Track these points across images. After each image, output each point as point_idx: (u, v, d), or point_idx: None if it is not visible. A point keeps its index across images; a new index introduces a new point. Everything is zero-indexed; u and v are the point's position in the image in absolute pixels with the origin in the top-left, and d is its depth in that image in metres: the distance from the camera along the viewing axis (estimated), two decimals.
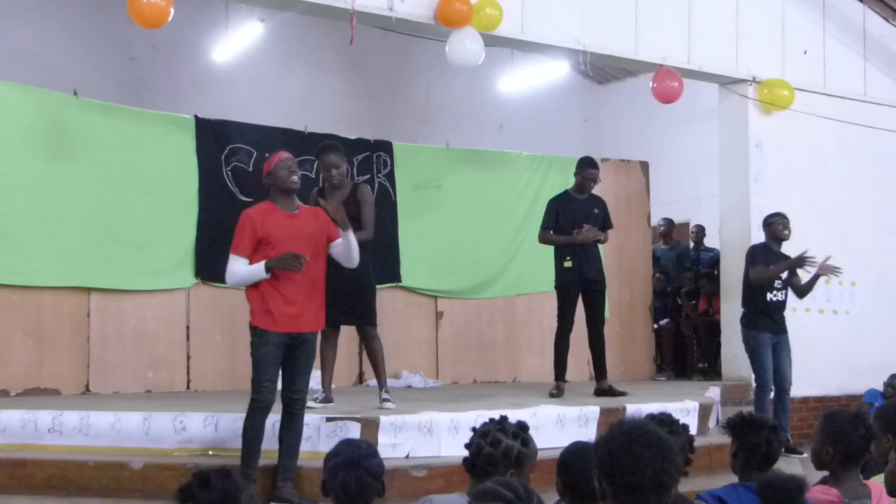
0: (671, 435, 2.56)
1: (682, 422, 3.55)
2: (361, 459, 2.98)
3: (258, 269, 4.92)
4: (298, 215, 5.11)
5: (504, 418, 3.30)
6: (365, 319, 6.51)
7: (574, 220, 7.45)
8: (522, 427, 3.28)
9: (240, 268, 4.97)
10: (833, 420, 3.44)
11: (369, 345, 6.54)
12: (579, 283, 7.40)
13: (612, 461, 2.21)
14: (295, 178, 5.09)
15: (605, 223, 7.63)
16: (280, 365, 5.00)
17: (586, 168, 7.60)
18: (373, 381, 8.52)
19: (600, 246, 7.72)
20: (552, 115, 13.00)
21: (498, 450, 3.15)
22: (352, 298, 6.39)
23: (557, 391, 7.36)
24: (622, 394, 7.31)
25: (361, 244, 6.41)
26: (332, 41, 10.70)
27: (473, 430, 3.28)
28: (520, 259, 9.31)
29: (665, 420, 3.41)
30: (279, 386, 5.08)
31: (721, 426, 3.56)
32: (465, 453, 3.27)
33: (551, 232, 7.54)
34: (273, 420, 5.11)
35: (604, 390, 7.39)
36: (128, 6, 6.18)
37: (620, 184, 9.85)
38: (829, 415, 3.51)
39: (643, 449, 2.18)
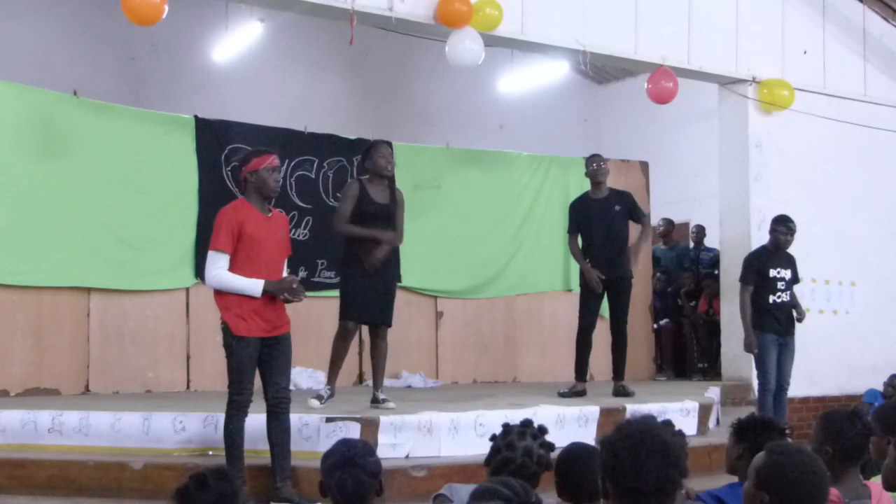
0: None
1: (680, 425, 3.55)
2: (358, 458, 2.97)
3: (252, 287, 4.90)
4: (272, 218, 5.13)
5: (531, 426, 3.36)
6: (387, 320, 6.48)
7: (591, 222, 7.42)
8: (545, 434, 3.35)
9: (228, 275, 4.91)
10: (830, 419, 3.45)
11: (380, 344, 6.47)
12: (602, 283, 7.33)
13: (616, 465, 2.20)
14: (278, 187, 5.13)
15: (632, 216, 7.46)
16: (256, 365, 5.00)
17: (586, 164, 7.59)
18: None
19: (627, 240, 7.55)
20: (552, 115, 13.00)
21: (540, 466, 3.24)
22: (382, 298, 6.37)
23: (569, 390, 7.32)
24: (630, 394, 7.28)
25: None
26: (332, 41, 10.70)
27: (509, 443, 3.28)
28: (520, 259, 9.31)
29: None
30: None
31: (730, 429, 3.56)
32: (465, 453, 3.28)
33: (577, 237, 7.51)
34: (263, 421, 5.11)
35: (617, 390, 7.36)
36: (122, 4, 6.17)
37: (620, 184, 9.76)
38: (826, 414, 3.52)
39: (648, 454, 2.18)
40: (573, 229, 7.56)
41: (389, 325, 6.50)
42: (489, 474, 3.23)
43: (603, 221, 7.38)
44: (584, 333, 7.47)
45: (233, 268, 4.93)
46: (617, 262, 7.39)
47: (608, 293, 7.47)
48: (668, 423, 3.43)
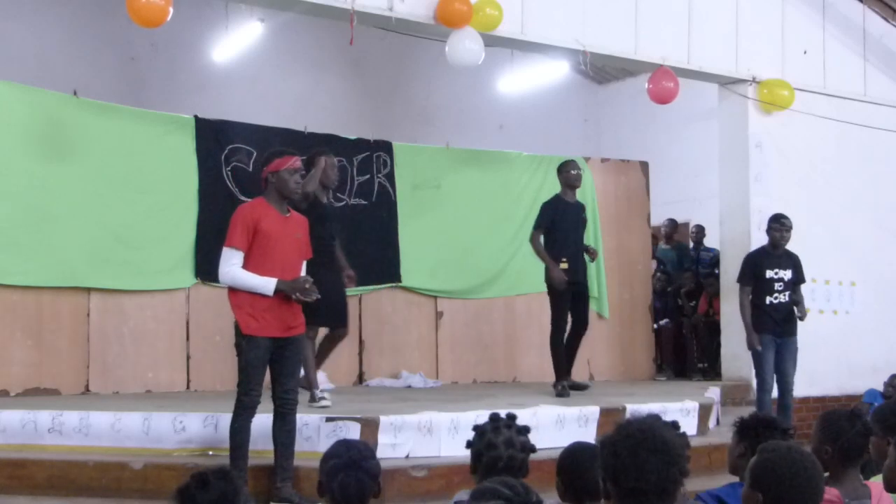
0: None
1: (681, 426, 3.54)
2: (361, 461, 2.98)
3: (264, 285, 4.89)
4: (290, 218, 5.14)
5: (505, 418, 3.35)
6: (345, 319, 6.79)
7: (564, 224, 7.53)
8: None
9: (241, 272, 4.91)
10: (829, 419, 3.45)
11: (335, 342, 6.77)
12: (572, 285, 7.44)
13: (617, 465, 2.20)
14: (299, 188, 5.20)
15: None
16: (267, 366, 5.00)
17: (565, 167, 7.74)
18: (373, 381, 8.55)
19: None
20: (552, 115, 12.99)
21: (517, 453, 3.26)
22: (340, 300, 6.58)
23: (564, 390, 7.38)
24: (585, 387, 7.65)
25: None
26: (332, 41, 10.69)
27: (488, 443, 3.29)
28: (520, 259, 9.30)
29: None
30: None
31: (733, 427, 3.57)
32: (465, 453, 3.28)
33: (543, 236, 7.60)
34: (266, 421, 5.11)
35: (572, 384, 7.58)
36: (127, 6, 6.17)
37: (620, 184, 9.86)
38: (825, 414, 3.53)
39: (648, 454, 2.18)
40: (542, 225, 7.60)
41: (345, 325, 6.84)
42: (478, 480, 3.21)
43: (573, 225, 7.57)
44: (560, 335, 7.56)
45: (247, 265, 4.93)
46: (581, 267, 7.59)
47: (572, 296, 7.57)
48: (673, 425, 3.44)
